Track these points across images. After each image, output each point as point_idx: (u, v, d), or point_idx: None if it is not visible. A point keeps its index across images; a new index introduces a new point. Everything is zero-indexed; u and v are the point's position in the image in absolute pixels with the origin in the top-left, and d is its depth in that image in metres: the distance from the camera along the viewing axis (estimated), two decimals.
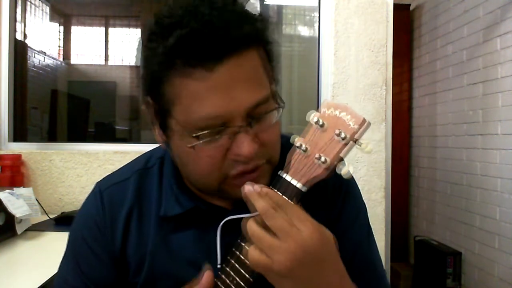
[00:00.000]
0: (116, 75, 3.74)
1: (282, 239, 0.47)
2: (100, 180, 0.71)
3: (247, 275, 0.52)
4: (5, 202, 1.30)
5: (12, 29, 2.01)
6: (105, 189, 0.68)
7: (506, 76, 2.38)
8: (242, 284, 0.53)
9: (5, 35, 1.97)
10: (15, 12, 2.04)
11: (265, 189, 0.50)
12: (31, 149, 1.90)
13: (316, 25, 1.95)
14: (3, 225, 1.29)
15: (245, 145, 0.53)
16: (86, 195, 0.70)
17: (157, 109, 0.58)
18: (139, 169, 0.69)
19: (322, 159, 0.48)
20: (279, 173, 0.52)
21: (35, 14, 2.98)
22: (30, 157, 1.86)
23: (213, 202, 0.65)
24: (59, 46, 3.52)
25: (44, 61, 3.13)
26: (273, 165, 0.60)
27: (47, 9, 3.16)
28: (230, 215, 0.61)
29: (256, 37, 0.54)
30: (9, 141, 1.96)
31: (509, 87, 2.36)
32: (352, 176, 0.48)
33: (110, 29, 3.76)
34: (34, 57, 2.97)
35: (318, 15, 1.92)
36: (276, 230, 0.47)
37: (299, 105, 2.53)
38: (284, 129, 2.32)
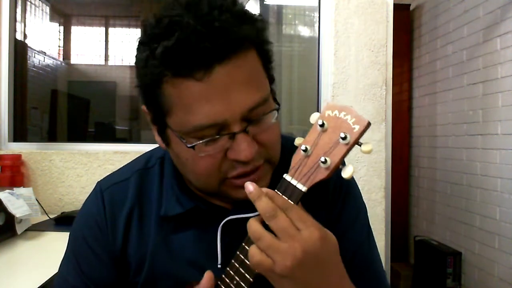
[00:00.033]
0: (116, 75, 3.74)
1: (283, 239, 0.47)
2: (101, 180, 0.71)
3: (251, 279, 0.52)
4: (5, 202, 1.30)
5: (12, 29, 2.01)
6: (106, 189, 0.68)
7: (506, 76, 2.38)
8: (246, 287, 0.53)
9: (5, 35, 1.97)
10: (15, 12, 2.04)
11: (266, 189, 0.50)
12: (31, 149, 1.90)
13: (316, 25, 1.95)
14: (3, 225, 1.29)
15: (244, 148, 0.53)
16: (86, 195, 0.70)
17: (153, 118, 0.59)
18: (139, 169, 0.69)
19: (328, 162, 0.48)
20: (284, 176, 0.51)
21: (35, 14, 2.98)
22: (30, 157, 1.86)
23: (214, 202, 0.65)
24: (59, 46, 3.52)
25: (44, 61, 3.13)
26: (273, 165, 0.60)
27: (47, 9, 3.16)
28: (230, 215, 0.61)
29: (252, 38, 0.53)
30: (9, 141, 1.96)
31: (509, 87, 2.36)
32: (352, 176, 0.48)
33: (110, 29, 3.76)
34: (34, 57, 2.97)
35: (318, 15, 1.92)
36: (277, 231, 0.47)
37: (299, 105, 2.53)
38: (284, 129, 2.33)
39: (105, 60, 3.79)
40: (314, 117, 0.51)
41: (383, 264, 0.75)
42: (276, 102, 0.58)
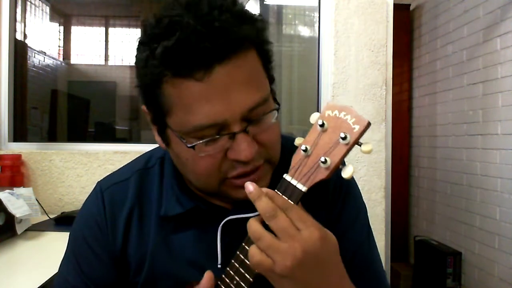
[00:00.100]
0: (116, 75, 3.74)
1: (283, 239, 0.47)
2: (101, 180, 0.71)
3: (251, 279, 0.52)
4: (5, 202, 1.30)
5: (12, 29, 2.01)
6: (106, 189, 0.68)
7: (506, 76, 2.38)
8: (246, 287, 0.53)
9: (5, 35, 1.97)
10: (15, 12, 2.04)
11: (266, 189, 0.50)
12: (31, 149, 1.90)
13: (316, 25, 1.95)
14: (3, 225, 1.29)
15: (244, 148, 0.53)
16: (86, 195, 0.70)
17: (153, 118, 0.59)
18: (139, 169, 0.69)
19: (328, 162, 0.48)
20: (284, 176, 0.51)
21: (35, 14, 2.98)
22: (30, 157, 1.86)
23: (214, 202, 0.65)
24: (59, 46, 3.52)
25: (44, 61, 3.13)
26: (273, 165, 0.60)
27: (47, 9, 3.16)
28: (230, 215, 0.61)
29: (251, 38, 0.53)
30: (9, 141, 1.96)
31: (509, 87, 2.36)
32: (352, 176, 0.48)
33: (110, 29, 3.76)
34: (34, 57, 2.97)
35: (318, 15, 1.92)
36: (277, 231, 0.47)
37: (299, 105, 2.53)
38: (284, 129, 2.33)
39: (105, 60, 3.79)
40: (314, 117, 0.51)
41: (383, 264, 0.75)
42: (276, 102, 0.58)
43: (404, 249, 3.43)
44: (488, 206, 2.54)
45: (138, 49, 0.55)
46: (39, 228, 1.48)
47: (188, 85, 0.51)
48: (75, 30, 3.64)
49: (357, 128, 0.47)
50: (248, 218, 0.51)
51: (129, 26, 3.85)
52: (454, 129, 2.92)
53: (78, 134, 2.97)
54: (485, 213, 2.57)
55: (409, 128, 3.54)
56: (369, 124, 0.47)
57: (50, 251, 1.24)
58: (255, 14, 0.56)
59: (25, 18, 2.51)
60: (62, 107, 2.99)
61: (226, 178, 0.57)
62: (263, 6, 2.67)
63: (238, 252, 0.54)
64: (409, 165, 3.56)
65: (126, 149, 1.91)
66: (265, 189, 0.50)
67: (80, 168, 1.86)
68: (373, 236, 0.72)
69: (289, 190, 0.50)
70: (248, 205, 0.57)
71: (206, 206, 0.64)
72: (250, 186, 0.50)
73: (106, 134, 3.16)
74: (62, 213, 1.67)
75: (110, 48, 3.77)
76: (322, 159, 0.48)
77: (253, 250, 0.49)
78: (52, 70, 3.29)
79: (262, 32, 0.56)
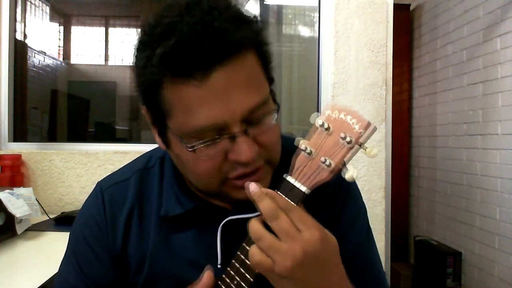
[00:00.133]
0: (116, 75, 3.73)
1: (283, 240, 0.47)
2: (101, 180, 0.71)
3: (251, 279, 0.52)
4: (5, 202, 1.30)
5: (12, 29, 2.01)
6: (106, 189, 0.68)
7: (506, 76, 2.38)
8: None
9: (5, 35, 1.97)
10: (15, 12, 2.04)
11: (267, 190, 0.50)
12: (31, 149, 1.90)
13: (316, 25, 1.95)
14: (3, 225, 1.29)
15: (244, 150, 0.53)
16: (86, 195, 0.70)
17: (153, 119, 0.59)
18: (139, 169, 0.69)
19: (327, 162, 0.48)
20: (284, 176, 0.51)
21: (35, 14, 2.98)
22: (30, 157, 1.86)
23: (214, 202, 0.65)
24: (59, 46, 3.52)
25: (44, 61, 3.13)
26: (273, 166, 0.60)
27: (47, 9, 3.16)
28: (230, 215, 0.61)
29: (250, 39, 0.53)
30: (9, 141, 1.96)
31: (509, 87, 2.36)
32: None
33: (110, 29, 3.76)
34: (34, 57, 2.97)
35: (318, 15, 1.92)
36: (278, 232, 0.47)
37: (299, 105, 2.53)
38: (284, 129, 2.33)
39: (105, 60, 3.79)
40: (314, 117, 0.51)
41: (383, 264, 0.75)
42: (275, 103, 0.58)
43: (404, 249, 3.43)
44: (488, 206, 2.54)
45: (136, 51, 0.55)
46: (39, 228, 1.48)
47: (187, 88, 0.51)
48: (75, 30, 3.64)
49: (359, 130, 0.47)
50: (248, 218, 0.51)
51: (129, 26, 3.85)
52: (454, 129, 2.92)
53: (78, 134, 2.97)
54: (485, 213, 2.57)
55: (409, 128, 3.54)
56: (370, 124, 0.47)
57: (50, 251, 1.24)
58: (253, 15, 0.56)
59: (25, 18, 2.51)
60: (62, 107, 2.99)
61: (226, 179, 0.57)
62: (263, 6, 2.67)
63: (238, 252, 0.54)
64: (409, 165, 3.56)
65: (126, 149, 1.91)
66: (267, 190, 0.50)
67: (80, 168, 1.86)
68: (372, 237, 0.72)
69: (290, 191, 0.50)
70: (248, 206, 0.57)
71: (206, 206, 0.64)
72: (252, 186, 0.50)
73: (106, 134, 3.16)
74: (62, 213, 1.67)
75: (110, 48, 3.77)
76: (323, 159, 0.48)
77: (253, 250, 0.49)
78: (52, 70, 3.29)
79: (261, 33, 0.56)
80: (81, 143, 1.98)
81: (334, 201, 0.68)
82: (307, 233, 0.47)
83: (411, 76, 3.54)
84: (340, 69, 1.82)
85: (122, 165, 0.73)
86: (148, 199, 0.67)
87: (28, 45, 2.64)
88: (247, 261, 0.51)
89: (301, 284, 0.48)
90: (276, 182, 0.52)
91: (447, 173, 3.01)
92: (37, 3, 2.98)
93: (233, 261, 0.54)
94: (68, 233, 0.70)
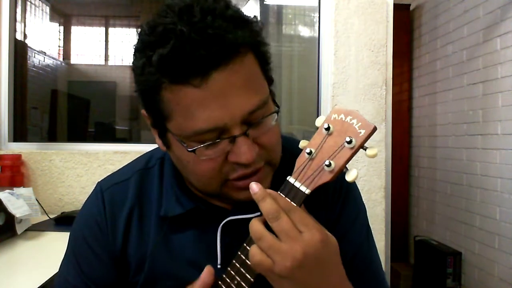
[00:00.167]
0: (116, 75, 3.74)
1: (283, 240, 0.47)
2: (101, 180, 0.71)
3: (252, 279, 0.52)
4: (5, 202, 1.30)
5: (12, 29, 2.01)
6: (106, 189, 0.68)
7: (506, 76, 2.38)
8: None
9: (5, 35, 1.96)
10: (15, 12, 2.04)
11: (269, 190, 0.50)
12: (31, 149, 1.90)
13: (316, 25, 1.95)
14: (3, 225, 1.29)
15: (244, 151, 0.53)
16: (86, 195, 0.70)
17: (153, 122, 0.59)
18: (139, 169, 0.69)
19: (332, 166, 0.48)
20: (287, 178, 0.52)
21: (35, 14, 2.98)
22: (30, 157, 1.86)
23: (214, 202, 0.65)
24: (59, 46, 3.52)
25: (44, 61, 3.13)
26: (274, 167, 0.60)
27: (47, 9, 3.16)
28: (230, 216, 0.61)
29: (247, 41, 0.52)
30: (9, 141, 1.96)
31: (509, 87, 2.36)
32: None
33: (110, 29, 3.76)
34: (34, 57, 2.97)
35: (318, 15, 1.92)
36: (279, 232, 0.47)
37: (299, 105, 2.53)
38: (284, 129, 2.33)
39: (105, 60, 3.79)
40: (320, 121, 0.51)
41: (383, 264, 0.75)
42: (275, 104, 0.58)
43: (404, 249, 3.43)
44: (488, 206, 2.54)
45: (134, 55, 0.55)
46: (39, 228, 1.48)
47: (186, 91, 0.51)
48: (75, 30, 3.64)
49: (362, 132, 0.47)
50: (248, 219, 0.51)
51: (129, 26, 3.85)
52: (454, 129, 2.92)
53: (78, 134, 2.97)
54: (485, 213, 2.57)
55: (409, 128, 3.54)
56: (375, 128, 0.48)
57: (50, 251, 1.24)
58: (250, 16, 0.55)
59: (25, 18, 2.51)
60: (62, 107, 2.99)
61: (227, 180, 0.57)
62: (263, 6, 2.67)
63: (239, 252, 0.54)
64: (409, 165, 3.56)
65: (126, 149, 1.91)
66: (269, 190, 0.50)
67: (80, 168, 1.86)
68: (372, 237, 0.72)
69: (292, 192, 0.50)
70: (248, 206, 0.57)
71: (206, 207, 0.64)
72: (255, 187, 0.50)
73: (106, 134, 3.16)
74: (62, 213, 1.67)
75: (110, 48, 3.77)
76: (327, 162, 0.48)
77: (253, 250, 0.49)
78: (52, 70, 3.29)
79: (258, 34, 0.55)
80: (81, 143, 1.98)
81: (334, 201, 0.68)
82: (308, 234, 0.47)
83: (411, 76, 3.54)
84: (340, 69, 1.82)
85: (122, 165, 0.73)
86: (148, 199, 0.67)
87: (28, 45, 2.65)
88: (247, 261, 0.51)
89: (300, 285, 0.48)
90: (277, 183, 0.52)
91: (447, 173, 3.01)
92: (37, 3, 2.98)
93: (234, 261, 0.54)
94: (68, 233, 0.70)
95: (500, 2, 2.41)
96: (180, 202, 0.64)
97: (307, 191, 0.50)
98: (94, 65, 3.76)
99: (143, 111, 0.60)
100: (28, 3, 2.80)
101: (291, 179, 0.51)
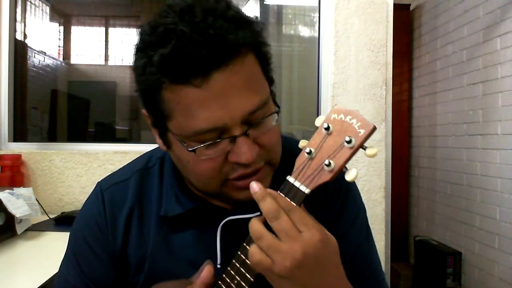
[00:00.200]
0: (116, 75, 3.74)
1: (283, 240, 0.47)
2: (101, 180, 0.71)
3: (252, 279, 0.52)
4: (5, 202, 1.30)
5: (12, 29, 2.01)
6: (106, 189, 0.68)
7: (506, 76, 2.38)
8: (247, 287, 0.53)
9: (5, 35, 1.96)
10: (15, 12, 2.04)
11: (270, 190, 0.50)
12: (31, 149, 1.90)
13: (316, 25, 1.95)
14: (3, 225, 1.29)
15: (244, 151, 0.53)
16: (86, 195, 0.70)
17: (153, 122, 0.59)
18: (139, 169, 0.69)
19: (332, 165, 0.48)
20: (287, 178, 0.52)
21: (35, 14, 2.98)
22: (30, 157, 1.86)
23: (213, 202, 0.65)
24: (59, 46, 3.52)
25: (44, 61, 3.13)
26: (274, 167, 0.60)
27: (47, 9, 3.16)
28: (230, 216, 0.61)
29: (248, 42, 0.52)
30: (9, 141, 1.96)
31: (509, 87, 2.36)
32: None
33: (110, 29, 3.76)
34: (34, 57, 2.97)
35: (318, 15, 1.92)
36: (279, 232, 0.48)
37: (299, 105, 2.53)
38: (284, 129, 2.33)
39: (105, 60, 3.79)
40: (320, 120, 0.51)
41: (383, 264, 0.75)
42: (276, 105, 0.58)
43: (404, 249, 3.43)
44: (488, 206, 2.54)
45: (135, 55, 0.55)
46: (39, 228, 1.48)
47: (187, 91, 0.51)
48: (75, 30, 3.64)
49: (362, 132, 0.47)
50: (248, 218, 0.51)
51: (129, 26, 3.85)
52: (454, 129, 2.92)
53: (78, 134, 2.97)
54: (485, 213, 2.57)
55: (409, 128, 3.55)
56: (374, 128, 0.47)
57: (50, 251, 1.24)
58: (250, 17, 0.55)
59: (25, 18, 2.51)
60: (62, 107, 2.99)
61: (227, 180, 0.57)
62: (263, 6, 2.67)
63: (239, 252, 0.54)
64: (409, 165, 3.56)
65: (126, 149, 1.91)
66: (269, 190, 0.50)
67: (80, 168, 1.86)
68: (372, 237, 0.72)
69: (292, 191, 0.51)
70: (247, 206, 0.57)
71: (206, 206, 0.64)
72: (255, 186, 0.50)
73: (106, 134, 3.17)
74: (62, 213, 1.67)
75: (110, 48, 3.78)
76: (326, 161, 0.48)
77: (253, 249, 0.49)
78: (52, 70, 3.30)
79: (259, 34, 0.56)
80: (81, 143, 1.98)
81: (334, 201, 0.68)
82: (308, 234, 0.47)
83: (411, 76, 3.54)
84: (340, 69, 1.82)
85: (122, 165, 0.73)
86: (148, 199, 0.67)
87: (28, 45, 2.65)
88: (247, 261, 0.51)
89: (300, 285, 0.48)
90: (277, 183, 0.52)
91: (447, 173, 3.01)
92: (37, 3, 2.99)
93: (234, 260, 0.54)
94: (68, 233, 0.70)
95: (500, 2, 2.41)
96: (180, 202, 0.64)
97: (307, 191, 0.50)
98: (94, 65, 3.76)
99: (143, 111, 0.60)
100: (28, 3, 2.80)
101: (290, 179, 0.51)
